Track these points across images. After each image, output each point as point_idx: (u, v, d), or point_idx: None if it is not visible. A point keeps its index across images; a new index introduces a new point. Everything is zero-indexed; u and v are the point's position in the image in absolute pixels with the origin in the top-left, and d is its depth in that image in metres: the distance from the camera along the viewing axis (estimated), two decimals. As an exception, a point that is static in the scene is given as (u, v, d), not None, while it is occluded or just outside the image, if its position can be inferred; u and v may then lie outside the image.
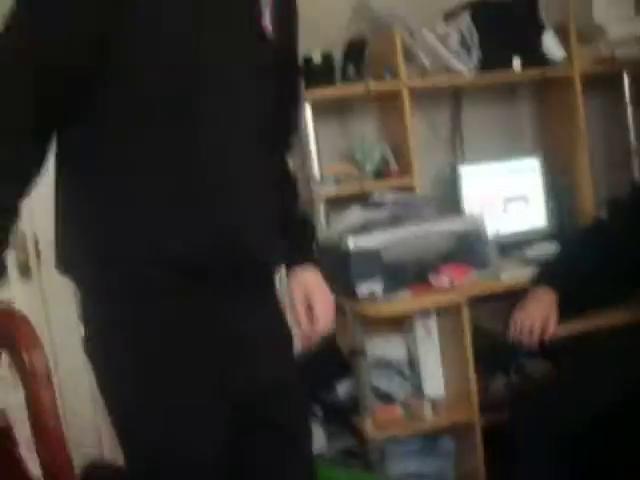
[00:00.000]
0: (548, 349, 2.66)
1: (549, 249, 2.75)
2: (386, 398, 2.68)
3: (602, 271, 2.17)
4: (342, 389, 2.70)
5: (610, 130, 3.38)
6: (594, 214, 2.97)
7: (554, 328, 2.10)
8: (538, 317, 2.11)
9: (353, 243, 2.31)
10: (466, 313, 2.44)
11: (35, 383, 0.98)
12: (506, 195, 3.00)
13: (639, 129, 3.26)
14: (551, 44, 2.94)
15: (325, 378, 2.74)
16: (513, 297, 2.56)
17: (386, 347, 2.86)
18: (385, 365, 2.83)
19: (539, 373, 2.74)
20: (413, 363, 2.83)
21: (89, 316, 1.29)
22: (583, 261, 2.20)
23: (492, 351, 2.83)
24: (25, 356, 0.97)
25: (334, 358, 2.76)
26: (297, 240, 1.53)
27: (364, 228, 2.45)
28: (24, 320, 1.00)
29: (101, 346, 1.27)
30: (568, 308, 2.18)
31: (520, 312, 2.18)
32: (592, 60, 3.03)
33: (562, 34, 2.98)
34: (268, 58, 1.33)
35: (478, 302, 2.52)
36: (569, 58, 2.97)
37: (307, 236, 1.58)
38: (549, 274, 2.22)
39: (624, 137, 3.30)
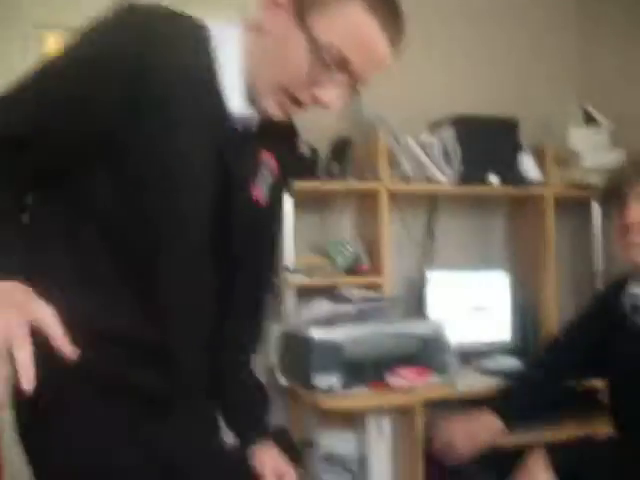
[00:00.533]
0: (493, 458, 2.68)
1: (509, 363, 2.80)
2: (332, 494, 2.66)
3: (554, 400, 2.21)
4: (290, 481, 2.67)
5: (577, 252, 3.48)
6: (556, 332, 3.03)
7: (469, 452, 2.07)
8: (466, 446, 2.07)
9: (316, 334, 2.33)
10: (420, 416, 2.45)
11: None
12: (472, 305, 3.06)
13: (605, 254, 3.36)
14: (528, 164, 3.07)
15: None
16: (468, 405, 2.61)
17: (337, 442, 2.85)
18: (334, 460, 2.82)
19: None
20: (363, 461, 2.82)
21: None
22: (538, 394, 2.20)
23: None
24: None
25: (284, 448, 2.74)
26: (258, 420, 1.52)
27: (329, 321, 2.48)
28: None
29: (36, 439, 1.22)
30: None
31: (451, 425, 2.16)
32: (565, 184, 3.15)
33: (539, 156, 3.11)
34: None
35: (434, 407, 2.53)
36: (544, 179, 3.09)
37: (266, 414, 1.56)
38: (505, 404, 2.18)
39: (591, 260, 3.40)
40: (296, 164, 1.57)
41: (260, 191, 1.35)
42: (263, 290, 1.50)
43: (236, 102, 1.24)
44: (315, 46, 1.17)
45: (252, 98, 1.25)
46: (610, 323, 2.01)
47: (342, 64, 1.19)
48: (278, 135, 1.35)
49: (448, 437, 2.12)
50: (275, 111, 1.24)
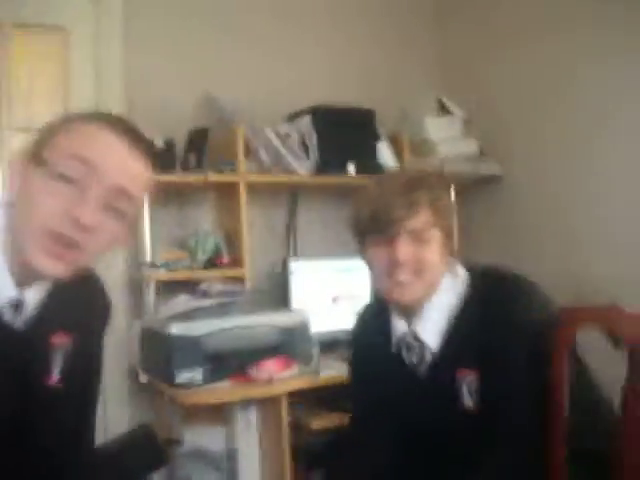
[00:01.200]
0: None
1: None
2: (199, 491, 2.63)
3: None
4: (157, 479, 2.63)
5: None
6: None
7: None
8: None
9: (175, 329, 2.30)
10: (285, 407, 2.45)
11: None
12: (335, 293, 3.09)
13: (463, 241, 3.46)
14: (385, 153, 3.13)
15: (137, 469, 2.65)
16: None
17: (205, 438, 2.82)
18: (202, 456, 2.79)
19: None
20: (231, 455, 2.80)
21: None
22: None
23: (311, 448, 2.86)
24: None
25: (149, 448, 2.69)
26: None
27: (188, 316, 2.44)
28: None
29: None
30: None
31: None
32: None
33: (396, 146, 3.18)
34: None
35: (300, 397, 2.55)
36: (401, 168, 3.16)
37: None
38: None
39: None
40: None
41: (54, 376, 1.33)
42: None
43: (5, 288, 1.19)
44: (52, 168, 1.14)
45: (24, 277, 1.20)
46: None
47: (86, 168, 1.14)
48: (67, 304, 1.31)
49: None
50: (46, 263, 1.14)
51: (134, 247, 2.91)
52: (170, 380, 2.31)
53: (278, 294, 3.05)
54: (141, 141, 1.23)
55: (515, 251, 3.21)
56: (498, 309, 1.59)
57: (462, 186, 3.39)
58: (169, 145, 2.76)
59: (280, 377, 2.39)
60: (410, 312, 1.66)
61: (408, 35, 3.66)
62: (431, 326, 1.64)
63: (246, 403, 2.66)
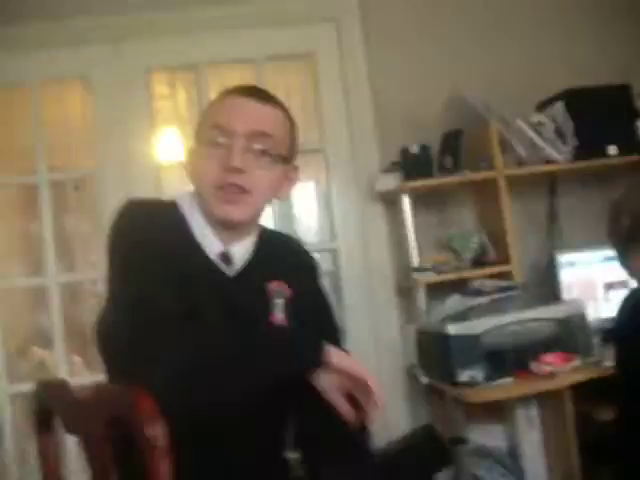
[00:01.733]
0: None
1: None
2: (487, 488, 2.64)
3: None
4: (442, 479, 2.68)
5: None
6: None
7: None
8: None
9: (453, 329, 2.33)
10: (569, 400, 2.40)
11: (154, 455, 1.03)
12: (606, 281, 2.97)
13: None
14: (647, 130, 2.96)
15: (424, 467, 2.72)
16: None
17: (486, 436, 2.84)
18: (485, 454, 2.80)
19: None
20: (514, 453, 2.79)
21: None
22: None
23: (601, 442, 2.77)
24: (146, 428, 1.03)
25: (433, 447, 2.75)
26: None
27: (464, 315, 2.47)
28: (143, 394, 1.05)
29: None
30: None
31: None
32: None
33: (658, 120, 2.99)
34: None
35: (586, 390, 2.48)
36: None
37: None
38: None
39: None
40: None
41: (277, 318, 1.50)
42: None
43: (213, 246, 1.46)
44: (200, 137, 1.46)
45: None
46: None
47: (223, 132, 1.42)
48: (282, 260, 1.55)
49: None
50: (227, 211, 1.43)
51: (399, 253, 3.00)
52: (452, 379, 2.35)
53: (546, 287, 2.99)
54: (266, 95, 1.51)
55: None
56: None
57: None
58: (424, 150, 2.82)
59: (562, 370, 2.34)
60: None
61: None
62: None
63: (526, 399, 2.63)
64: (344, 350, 1.45)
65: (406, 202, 2.83)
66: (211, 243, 1.46)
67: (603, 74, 3.09)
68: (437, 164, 2.88)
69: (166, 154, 3.13)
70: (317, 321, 1.57)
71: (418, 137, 2.90)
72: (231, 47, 3.12)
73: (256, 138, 1.43)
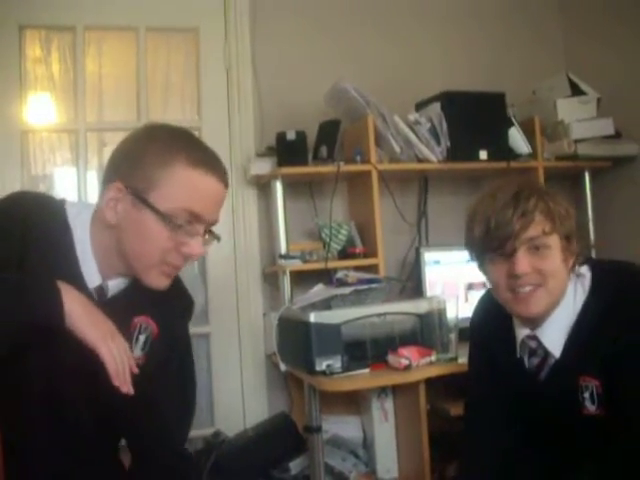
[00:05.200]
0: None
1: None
2: (339, 477, 2.66)
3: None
4: (295, 467, 2.68)
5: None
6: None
7: None
8: None
9: (314, 318, 2.33)
10: (422, 394, 2.44)
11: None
12: (468, 281, 3.05)
13: (598, 223, 3.36)
14: (517, 138, 3.05)
15: (279, 456, 2.72)
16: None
17: (342, 426, 2.86)
18: (340, 444, 2.82)
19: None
20: (368, 443, 2.82)
21: None
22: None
23: (449, 435, 2.84)
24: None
25: (288, 435, 2.75)
26: None
27: (326, 304, 2.47)
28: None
29: None
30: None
31: None
32: (555, 155, 3.14)
33: (528, 130, 3.10)
34: None
35: (438, 385, 2.54)
36: (534, 152, 3.08)
37: None
38: None
39: (584, 230, 3.40)
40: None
41: (135, 354, 1.46)
42: None
43: (91, 275, 1.41)
44: (165, 217, 1.35)
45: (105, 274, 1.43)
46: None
47: (194, 219, 1.37)
48: (151, 296, 1.47)
49: None
50: (161, 282, 1.42)
51: (268, 239, 2.98)
52: (310, 368, 2.34)
53: (411, 283, 3.05)
54: (225, 171, 1.44)
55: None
56: (624, 310, 1.54)
57: (596, 168, 3.29)
58: (300, 137, 2.80)
59: (418, 364, 2.38)
60: (536, 324, 1.65)
61: (534, 15, 3.57)
62: (555, 332, 1.62)
63: (382, 391, 2.67)
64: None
65: (278, 188, 2.81)
66: (91, 275, 1.42)
67: (479, 80, 3.18)
68: (313, 153, 2.87)
69: (35, 118, 2.97)
70: (170, 359, 1.56)
71: (297, 124, 2.88)
72: (112, 13, 3.01)
73: (209, 226, 1.43)
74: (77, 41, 2.98)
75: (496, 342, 1.79)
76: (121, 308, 1.44)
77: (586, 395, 1.56)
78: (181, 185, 1.36)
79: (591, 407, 1.56)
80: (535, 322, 1.65)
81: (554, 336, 1.63)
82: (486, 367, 1.84)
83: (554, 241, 1.59)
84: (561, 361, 1.62)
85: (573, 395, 1.58)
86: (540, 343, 1.65)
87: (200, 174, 1.36)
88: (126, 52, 3.07)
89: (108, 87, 3.06)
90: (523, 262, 1.56)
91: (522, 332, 1.69)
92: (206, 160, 1.39)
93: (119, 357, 1.30)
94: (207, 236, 1.43)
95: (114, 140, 2.93)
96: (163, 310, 1.52)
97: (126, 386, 1.30)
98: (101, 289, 1.43)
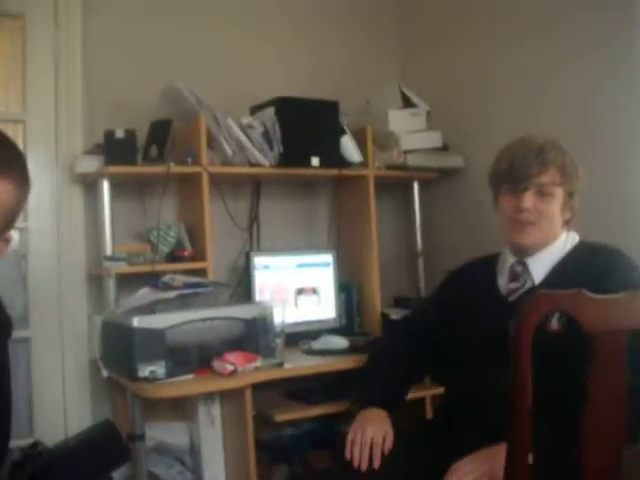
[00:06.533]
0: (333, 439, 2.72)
1: (335, 341, 2.84)
2: (164, 485, 2.61)
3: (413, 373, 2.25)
4: (119, 476, 2.60)
5: (400, 232, 3.60)
6: (380, 310, 3.13)
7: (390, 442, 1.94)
8: (379, 434, 1.93)
9: (137, 322, 2.26)
10: (249, 399, 2.43)
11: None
12: (297, 286, 3.08)
13: (425, 232, 3.49)
14: (349, 147, 3.11)
15: (102, 465, 2.62)
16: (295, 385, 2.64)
17: (168, 433, 2.80)
18: (165, 451, 2.77)
19: (322, 463, 2.76)
20: (195, 450, 2.78)
21: None
22: (390, 375, 2.18)
23: (275, 440, 2.85)
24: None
25: (111, 443, 2.66)
26: None
27: (150, 309, 2.41)
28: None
29: None
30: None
31: (359, 433, 1.94)
32: (386, 165, 3.23)
33: (360, 138, 3.17)
34: None
35: (263, 391, 2.54)
36: (365, 161, 3.15)
37: None
38: (371, 396, 2.11)
39: (412, 239, 3.52)
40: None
41: None
42: None
43: None
44: None
45: None
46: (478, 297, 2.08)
47: None
48: None
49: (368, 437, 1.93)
50: None
51: (94, 240, 2.88)
52: (132, 374, 2.28)
53: (241, 287, 3.04)
54: (1, 159, 1.30)
55: (477, 241, 3.22)
56: (607, 261, 1.86)
57: (424, 179, 3.41)
58: (130, 136, 2.71)
59: (244, 370, 2.37)
60: (525, 254, 1.98)
61: (371, 27, 3.66)
62: (542, 263, 1.96)
63: (209, 397, 2.64)
64: None
65: (105, 187, 2.72)
66: None
67: (316, 87, 3.22)
68: (143, 152, 2.80)
69: None
70: None
71: (128, 122, 2.79)
72: None
73: None
74: None
75: (474, 277, 2.14)
76: None
77: (554, 320, 1.77)
78: None
79: (555, 325, 1.76)
80: (525, 253, 1.98)
81: (540, 266, 1.96)
82: (438, 304, 2.23)
83: (558, 192, 1.93)
84: (538, 287, 1.92)
85: None
86: (526, 268, 1.97)
87: None
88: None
89: None
90: (529, 200, 1.91)
91: (512, 259, 2.02)
92: None
93: None
94: None
95: None
96: None
97: None
98: None
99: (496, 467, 1.56)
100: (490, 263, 2.12)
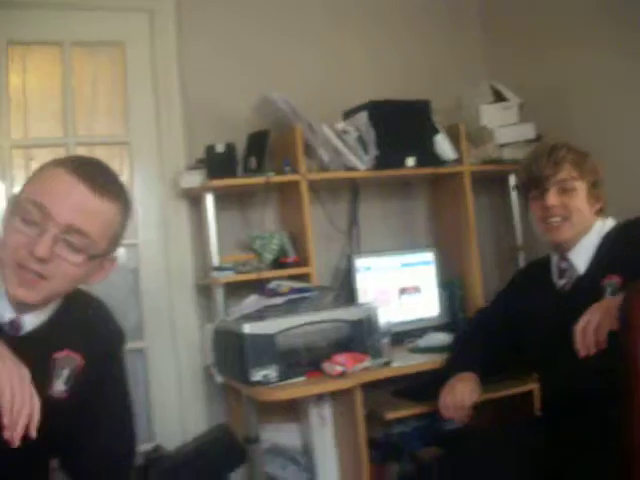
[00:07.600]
0: (442, 437, 2.74)
1: (440, 338, 2.85)
2: (280, 486, 2.67)
3: (496, 350, 2.32)
4: (236, 477, 2.68)
5: (498, 226, 3.57)
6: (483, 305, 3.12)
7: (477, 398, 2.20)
8: (467, 396, 2.18)
9: (248, 329, 2.34)
10: (359, 399, 2.47)
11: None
12: (400, 286, 3.11)
13: (525, 226, 3.45)
14: (443, 144, 3.12)
15: (219, 466, 2.71)
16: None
17: (281, 435, 2.87)
18: (279, 453, 2.83)
19: (432, 460, 2.77)
20: (308, 450, 2.84)
21: None
22: (484, 345, 2.34)
23: (386, 438, 2.88)
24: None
25: (227, 446, 2.74)
26: None
27: (260, 315, 2.49)
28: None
29: None
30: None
31: (449, 394, 2.21)
32: (481, 161, 3.22)
33: (454, 136, 3.17)
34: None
35: (373, 390, 2.57)
36: (460, 158, 3.16)
37: None
38: (464, 360, 2.33)
39: (511, 233, 3.49)
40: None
41: (55, 388, 1.45)
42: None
43: (4, 311, 1.37)
44: (16, 207, 1.32)
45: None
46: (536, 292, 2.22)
47: (40, 210, 1.30)
48: (80, 329, 1.49)
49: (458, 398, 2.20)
50: (19, 291, 1.33)
51: (201, 251, 2.98)
52: (246, 379, 2.36)
53: (344, 290, 3.09)
54: (105, 183, 1.36)
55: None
56: None
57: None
58: (230, 149, 2.81)
59: (352, 370, 2.41)
60: (565, 249, 2.09)
61: (457, 26, 3.65)
62: (582, 253, 2.06)
63: (319, 398, 2.69)
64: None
65: (209, 200, 2.82)
66: (3, 308, 1.37)
67: (407, 90, 3.24)
68: (242, 164, 2.89)
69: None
70: (100, 390, 1.55)
71: (226, 136, 2.90)
72: (37, 27, 2.96)
73: (72, 233, 1.32)
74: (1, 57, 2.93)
75: (534, 279, 2.27)
76: (39, 343, 1.40)
77: (607, 294, 1.89)
78: (36, 178, 1.36)
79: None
80: (565, 247, 2.09)
81: (581, 255, 2.06)
82: (504, 300, 2.39)
83: (580, 185, 2.06)
84: (585, 274, 2.04)
85: (596, 296, 1.83)
86: (570, 262, 2.08)
87: (61, 172, 1.33)
88: (51, 67, 3.03)
89: (34, 103, 3.02)
90: (552, 197, 2.04)
91: (555, 257, 2.15)
92: (81, 167, 1.35)
93: (18, 405, 1.20)
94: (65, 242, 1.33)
95: (41, 154, 2.91)
96: (89, 341, 1.50)
97: (14, 441, 1.20)
98: (14, 324, 1.38)
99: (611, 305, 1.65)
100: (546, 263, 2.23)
